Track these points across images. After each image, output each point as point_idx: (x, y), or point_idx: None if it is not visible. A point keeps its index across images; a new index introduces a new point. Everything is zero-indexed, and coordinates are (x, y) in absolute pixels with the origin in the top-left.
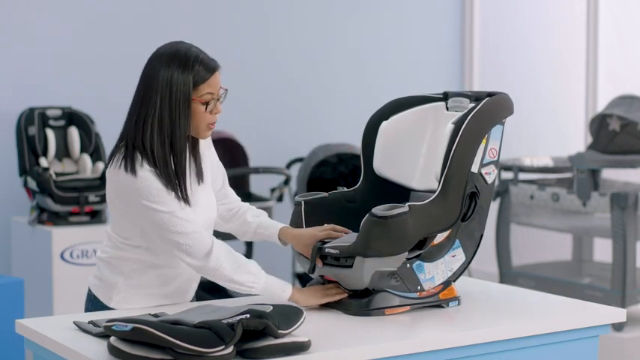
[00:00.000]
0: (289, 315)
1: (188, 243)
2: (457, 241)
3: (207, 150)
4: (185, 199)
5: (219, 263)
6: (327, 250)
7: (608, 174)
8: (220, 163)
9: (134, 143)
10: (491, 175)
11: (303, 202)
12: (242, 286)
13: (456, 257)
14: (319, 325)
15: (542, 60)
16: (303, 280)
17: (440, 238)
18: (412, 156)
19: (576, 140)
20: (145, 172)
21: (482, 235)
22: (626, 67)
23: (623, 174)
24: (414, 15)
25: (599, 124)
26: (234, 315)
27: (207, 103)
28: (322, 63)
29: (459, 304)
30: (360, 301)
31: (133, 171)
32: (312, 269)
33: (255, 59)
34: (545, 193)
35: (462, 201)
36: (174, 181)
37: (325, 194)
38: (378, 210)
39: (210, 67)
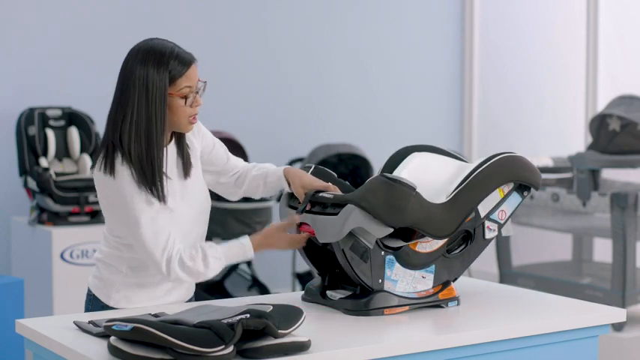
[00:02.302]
0: (289, 315)
1: (149, 254)
2: (433, 267)
3: (196, 137)
4: (160, 197)
5: (179, 275)
6: (322, 194)
7: (608, 174)
8: (217, 140)
9: (113, 142)
10: (491, 232)
11: (313, 167)
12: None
13: (424, 279)
14: (319, 325)
15: (542, 60)
16: (303, 279)
17: (424, 249)
18: (421, 191)
19: (576, 140)
20: (123, 172)
21: (456, 279)
22: (626, 67)
23: (623, 174)
24: (414, 15)
25: (599, 124)
26: (234, 315)
27: (186, 97)
28: (322, 63)
29: (458, 304)
30: (359, 301)
31: (112, 171)
32: (302, 210)
33: (256, 59)
34: (545, 193)
35: (459, 224)
36: (151, 179)
37: (334, 174)
38: (386, 173)
39: (185, 61)
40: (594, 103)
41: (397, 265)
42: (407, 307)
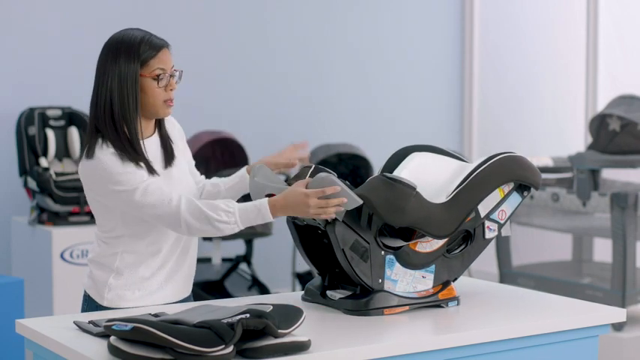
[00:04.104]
0: (289, 315)
1: (157, 214)
2: (434, 266)
3: (180, 139)
4: (149, 168)
5: (191, 228)
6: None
7: (608, 174)
8: (189, 155)
9: (96, 127)
10: (490, 231)
11: (313, 166)
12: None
13: (425, 279)
14: (319, 325)
15: (542, 60)
16: (303, 279)
17: (424, 249)
18: (421, 191)
19: (576, 140)
20: (104, 155)
21: (456, 279)
22: (626, 67)
23: (623, 174)
24: (414, 15)
25: (599, 124)
26: (234, 315)
27: (158, 78)
28: (322, 63)
29: (458, 304)
30: (359, 301)
31: (92, 155)
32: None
33: (255, 59)
34: (545, 193)
35: (460, 224)
36: (134, 157)
37: (334, 174)
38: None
39: (156, 45)
40: (594, 103)
41: (397, 264)
42: (407, 307)
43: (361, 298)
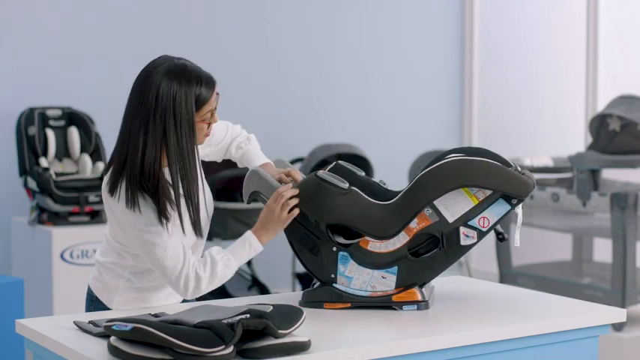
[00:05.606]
0: (289, 315)
1: (168, 278)
2: (396, 268)
3: None
4: (198, 231)
5: (197, 292)
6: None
7: (608, 174)
8: None
9: (141, 169)
10: (467, 238)
11: (334, 163)
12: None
13: (385, 280)
14: (319, 325)
15: (542, 60)
16: (303, 280)
17: (377, 248)
18: None
19: (576, 140)
20: (146, 210)
21: (424, 284)
22: (626, 67)
23: (623, 174)
24: (414, 15)
25: (599, 124)
26: (234, 315)
27: (209, 124)
28: (322, 62)
29: (420, 309)
30: (304, 293)
31: (133, 206)
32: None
33: (255, 59)
34: (545, 193)
35: (403, 226)
36: (173, 211)
37: (360, 171)
38: (322, 171)
39: (210, 84)
40: (594, 103)
41: (352, 262)
42: (348, 304)
43: (306, 290)
